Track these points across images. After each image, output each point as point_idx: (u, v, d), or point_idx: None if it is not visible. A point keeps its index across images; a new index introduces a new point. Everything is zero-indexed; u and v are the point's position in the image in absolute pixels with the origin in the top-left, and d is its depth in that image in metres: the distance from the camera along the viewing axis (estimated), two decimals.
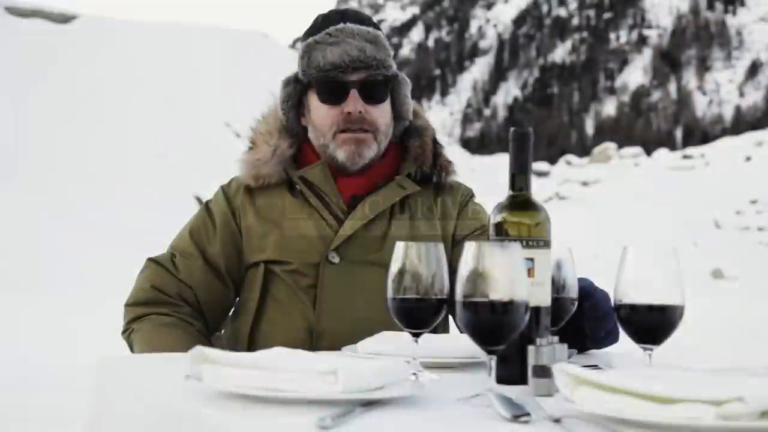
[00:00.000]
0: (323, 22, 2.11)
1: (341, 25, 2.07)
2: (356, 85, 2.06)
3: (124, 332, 2.07)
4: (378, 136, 2.09)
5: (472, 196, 2.26)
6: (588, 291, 1.63)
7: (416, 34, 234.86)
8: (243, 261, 2.11)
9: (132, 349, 2.04)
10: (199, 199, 17.82)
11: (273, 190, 2.12)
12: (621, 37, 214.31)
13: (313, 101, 2.11)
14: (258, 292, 2.06)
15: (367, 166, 2.11)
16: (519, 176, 1.41)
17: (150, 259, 2.14)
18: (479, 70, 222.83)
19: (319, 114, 2.09)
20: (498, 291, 1.19)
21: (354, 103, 2.05)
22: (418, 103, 2.24)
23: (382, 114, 2.10)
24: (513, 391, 1.24)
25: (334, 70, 2.05)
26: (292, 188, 2.13)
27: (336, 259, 2.04)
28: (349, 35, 2.05)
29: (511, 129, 1.43)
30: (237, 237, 2.11)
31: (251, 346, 2.05)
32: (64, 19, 25.20)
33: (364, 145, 2.07)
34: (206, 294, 2.09)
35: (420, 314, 1.38)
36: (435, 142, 2.21)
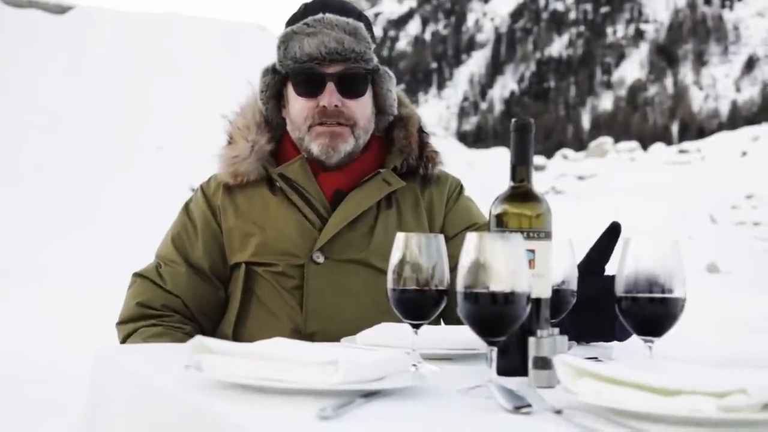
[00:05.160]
0: (304, 11, 2.05)
1: (320, 15, 2.00)
2: (333, 78, 2.00)
3: None
4: (356, 131, 2.03)
5: (461, 188, 2.20)
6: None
7: (413, 27, 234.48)
8: (227, 260, 2.07)
9: None
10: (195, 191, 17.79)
11: (253, 188, 2.07)
12: (618, 31, 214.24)
13: (291, 93, 2.06)
14: (239, 292, 2.02)
15: (349, 159, 2.06)
16: (520, 167, 1.41)
17: (135, 274, 2.10)
18: (476, 63, 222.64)
19: (295, 107, 2.04)
20: (499, 282, 1.18)
21: (330, 96, 1.99)
22: (409, 94, 2.18)
23: (360, 108, 2.04)
24: (513, 382, 1.24)
25: (310, 61, 1.99)
26: (273, 185, 2.07)
27: (321, 259, 1.99)
28: (327, 26, 1.99)
29: (513, 120, 1.43)
30: (219, 236, 2.07)
31: None
32: (60, 9, 25.14)
33: (340, 138, 2.01)
34: (195, 299, 2.05)
35: (420, 305, 1.38)
36: (420, 130, 2.15)
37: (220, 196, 2.09)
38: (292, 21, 2.06)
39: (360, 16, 2.06)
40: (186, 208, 2.15)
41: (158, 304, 2.03)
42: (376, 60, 2.07)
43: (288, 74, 2.05)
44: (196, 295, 2.05)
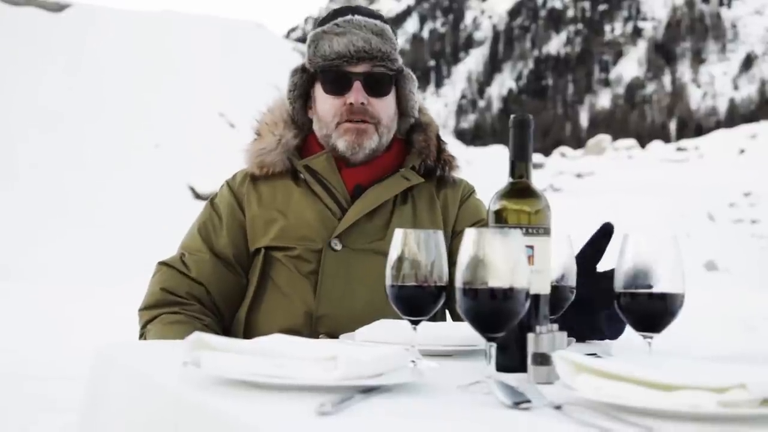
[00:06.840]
0: (334, 14, 2.15)
1: (349, 17, 2.11)
2: (360, 77, 2.08)
3: (140, 337, 2.08)
4: (380, 128, 2.11)
5: (473, 192, 2.28)
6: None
7: (411, 24, 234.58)
8: (250, 249, 2.13)
9: None
10: (192, 189, 17.79)
11: (277, 179, 2.15)
12: (616, 29, 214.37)
13: (319, 91, 2.15)
14: (257, 277, 2.08)
15: (372, 157, 2.14)
16: (519, 163, 1.40)
17: (160, 263, 2.16)
18: (474, 61, 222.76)
19: (323, 104, 2.13)
20: (498, 278, 1.18)
21: (357, 94, 2.07)
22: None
23: (385, 107, 2.12)
24: (513, 378, 1.24)
25: (339, 59, 2.08)
26: (296, 178, 2.15)
27: (338, 246, 2.06)
28: (356, 27, 2.09)
29: (512, 116, 1.43)
30: (244, 226, 2.14)
31: (248, 330, 2.06)
32: (58, 8, 25.10)
33: (365, 135, 2.09)
34: (219, 287, 2.10)
35: (419, 302, 1.38)
36: (438, 138, 2.24)
37: (245, 187, 2.17)
38: (321, 23, 2.15)
39: (385, 20, 2.17)
40: (211, 202, 2.22)
41: (182, 291, 2.08)
42: (400, 61, 2.16)
43: (316, 73, 2.14)
44: (220, 282, 2.11)
